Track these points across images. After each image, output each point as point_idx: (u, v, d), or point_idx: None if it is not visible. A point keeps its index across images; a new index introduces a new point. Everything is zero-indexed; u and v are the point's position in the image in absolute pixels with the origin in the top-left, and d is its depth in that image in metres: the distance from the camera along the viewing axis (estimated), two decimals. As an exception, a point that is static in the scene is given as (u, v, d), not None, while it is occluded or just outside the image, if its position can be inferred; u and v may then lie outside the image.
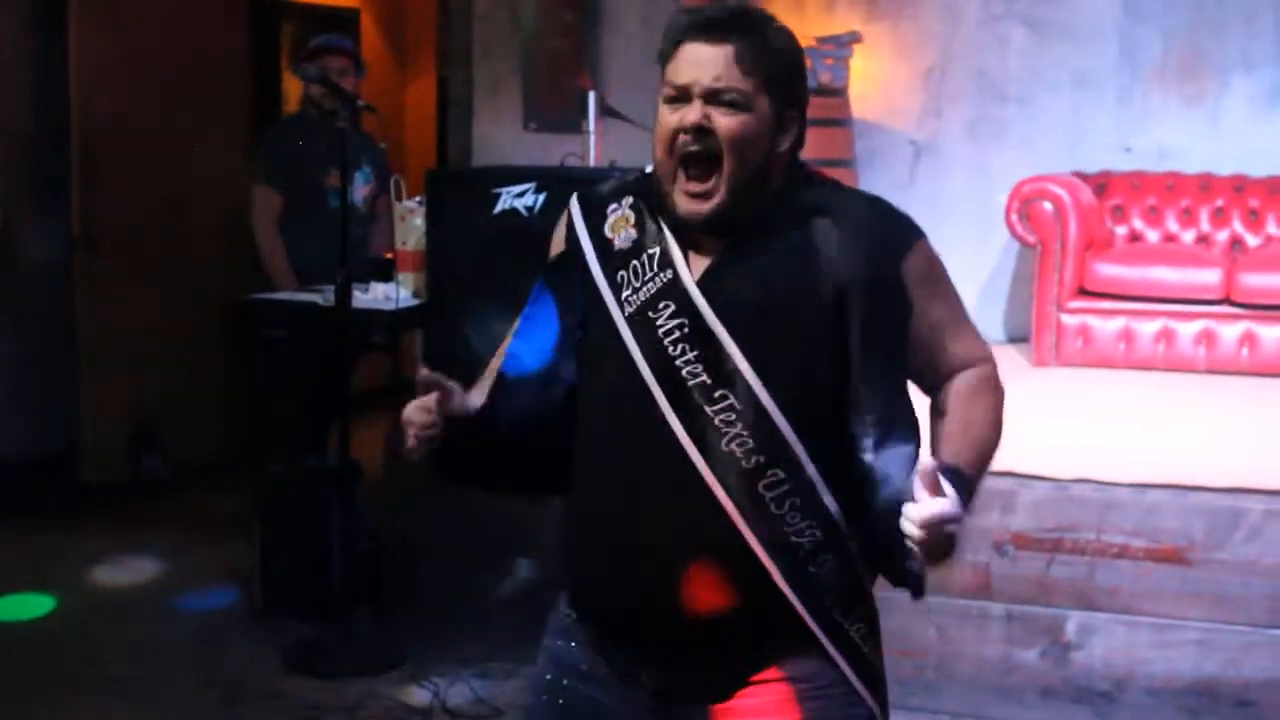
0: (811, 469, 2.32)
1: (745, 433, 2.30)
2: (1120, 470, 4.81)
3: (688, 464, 2.31)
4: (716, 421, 2.31)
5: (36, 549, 6.30)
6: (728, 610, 2.34)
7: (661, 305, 2.37)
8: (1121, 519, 4.67)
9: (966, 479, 2.29)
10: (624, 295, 2.41)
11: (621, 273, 2.42)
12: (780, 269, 2.34)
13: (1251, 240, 7.13)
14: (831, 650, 2.35)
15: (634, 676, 2.42)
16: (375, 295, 5.56)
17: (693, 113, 2.34)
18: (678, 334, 2.35)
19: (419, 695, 4.87)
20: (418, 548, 5.29)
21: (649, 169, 2.49)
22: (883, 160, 7.53)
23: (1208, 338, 6.64)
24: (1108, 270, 6.82)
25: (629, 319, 2.39)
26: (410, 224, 5.57)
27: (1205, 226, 7.20)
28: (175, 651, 5.26)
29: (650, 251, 2.41)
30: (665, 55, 2.41)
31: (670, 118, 2.37)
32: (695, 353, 2.33)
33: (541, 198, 5.00)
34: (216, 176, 6.99)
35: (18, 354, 7.05)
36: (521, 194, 5.04)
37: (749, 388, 2.31)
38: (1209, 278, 6.69)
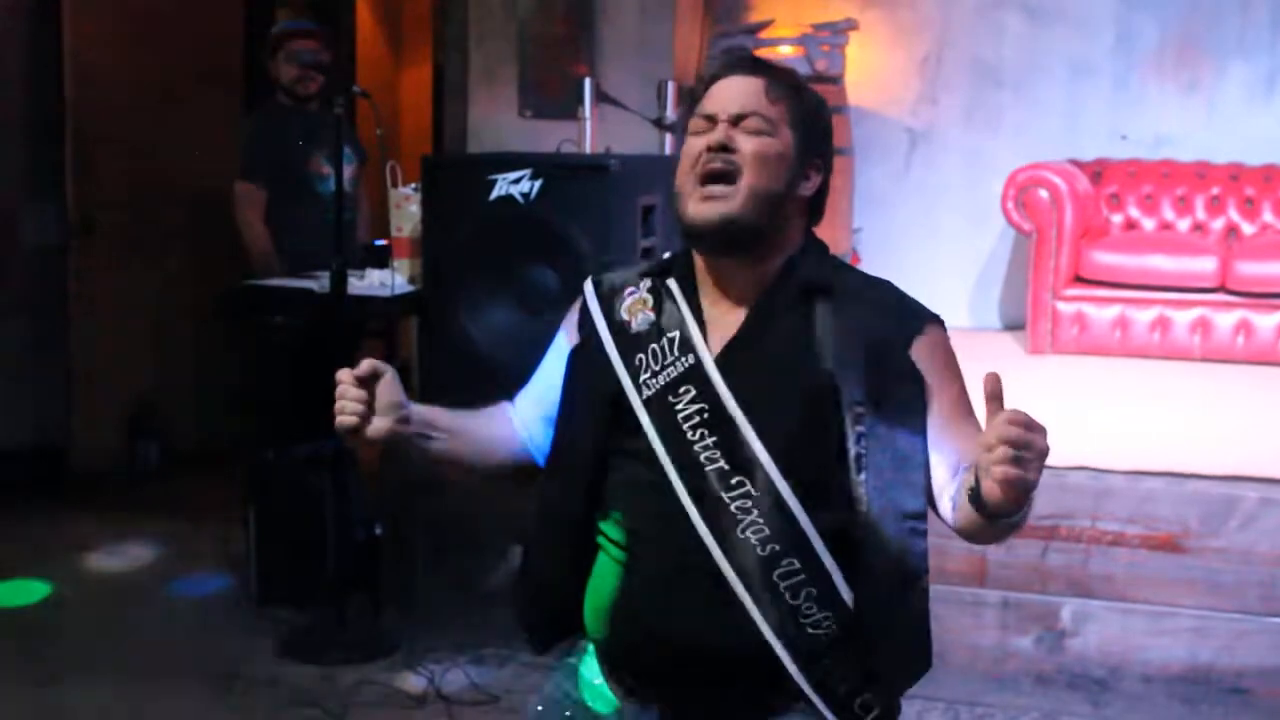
0: (828, 559, 2.31)
1: (761, 520, 2.30)
2: (1115, 458, 4.82)
3: (703, 550, 2.31)
4: (733, 509, 2.31)
5: (31, 536, 6.29)
6: (741, 696, 2.36)
7: (682, 390, 2.37)
8: (1117, 506, 4.68)
9: None
10: (642, 379, 2.41)
11: (639, 356, 2.43)
12: (796, 351, 2.36)
13: (1247, 228, 7.14)
14: (823, 707, 2.34)
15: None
16: (371, 282, 5.54)
17: (718, 133, 2.39)
18: (697, 419, 2.35)
19: (414, 682, 4.87)
20: (413, 535, 5.28)
21: (666, 255, 2.55)
22: (878, 148, 7.53)
23: (1203, 326, 6.65)
24: (1103, 258, 6.83)
25: (646, 403, 2.39)
26: (406, 210, 5.56)
27: (1201, 214, 7.21)
28: (170, 638, 5.26)
29: (670, 335, 2.42)
30: (697, 96, 2.47)
31: (695, 142, 2.42)
32: (714, 438, 2.34)
33: (537, 184, 4.99)
34: (212, 162, 6.96)
35: (12, 339, 7.04)
36: (517, 180, 5.03)
37: (766, 476, 2.31)
38: (1205, 266, 6.69)
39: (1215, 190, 7.20)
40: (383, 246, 5.73)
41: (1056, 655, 4.70)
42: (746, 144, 2.38)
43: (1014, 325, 7.35)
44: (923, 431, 2.36)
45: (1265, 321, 6.59)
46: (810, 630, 2.31)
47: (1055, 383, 6.15)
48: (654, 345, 2.43)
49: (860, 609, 2.33)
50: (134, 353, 7.28)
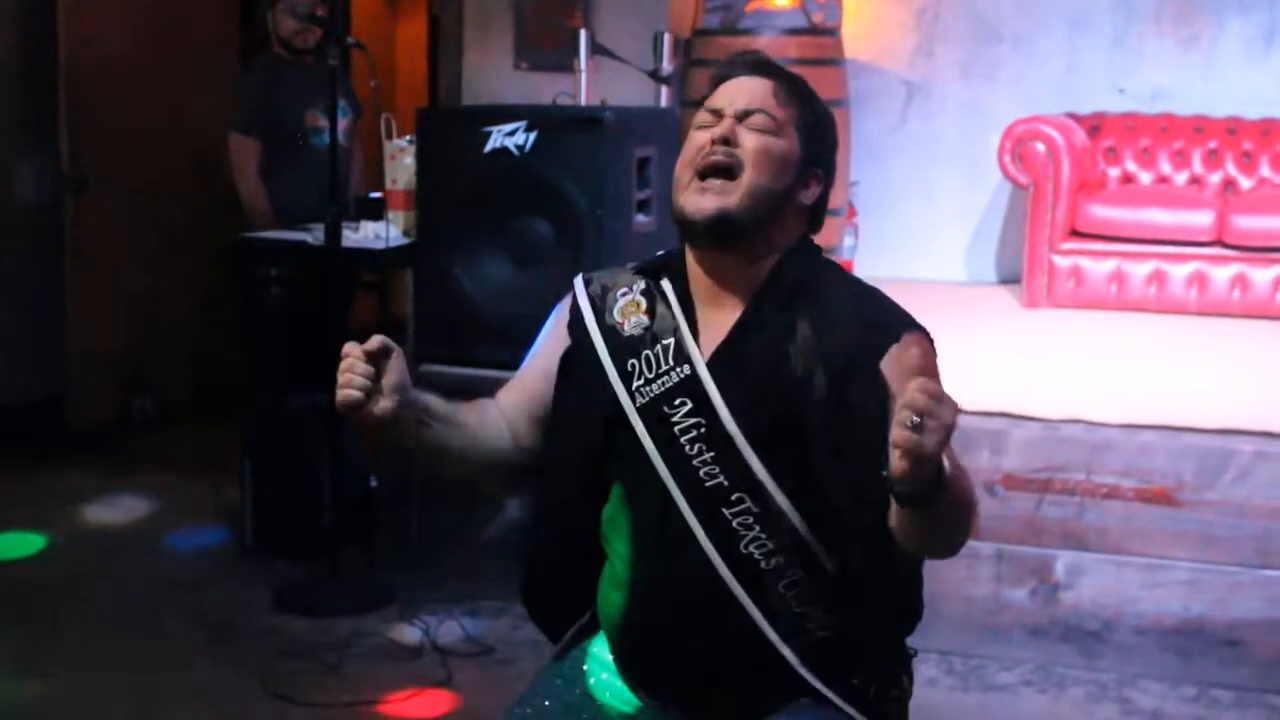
0: (831, 567, 2.31)
1: (763, 535, 2.30)
2: (1110, 411, 4.82)
3: (708, 564, 2.31)
4: (734, 524, 2.31)
5: (26, 489, 6.30)
6: (755, 697, 2.38)
7: (678, 402, 2.35)
8: (1111, 460, 4.68)
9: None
10: (635, 385, 2.38)
11: (632, 362, 2.40)
12: (781, 360, 2.32)
13: (1244, 182, 7.12)
14: (832, 695, 2.35)
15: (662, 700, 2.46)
16: (365, 234, 5.53)
17: (723, 127, 2.37)
18: (694, 433, 2.33)
19: (409, 633, 4.88)
20: (408, 486, 5.28)
21: (660, 253, 2.51)
22: (875, 101, 7.51)
23: (1199, 279, 6.64)
24: (1100, 212, 6.82)
25: (641, 410, 2.37)
26: (400, 162, 5.55)
27: (1198, 168, 7.19)
28: (165, 590, 5.27)
29: (665, 342, 2.39)
30: (706, 94, 2.44)
31: (699, 135, 2.39)
32: (712, 454, 2.32)
33: (532, 137, 4.98)
34: (207, 116, 6.94)
35: (6, 294, 7.02)
36: (512, 133, 5.02)
37: (766, 492, 2.30)
38: (1201, 219, 6.68)
39: (1213, 144, 7.18)
40: (377, 199, 5.72)
41: (1050, 608, 4.72)
42: (751, 140, 2.35)
43: (1010, 279, 7.33)
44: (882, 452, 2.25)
45: (1262, 275, 6.58)
46: (819, 634, 2.33)
47: (1051, 336, 6.15)
48: (648, 352, 2.39)
49: (863, 610, 2.34)
50: (129, 307, 7.27)
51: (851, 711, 2.34)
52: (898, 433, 1.95)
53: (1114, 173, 7.23)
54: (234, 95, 6.49)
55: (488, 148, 5.03)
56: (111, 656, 4.72)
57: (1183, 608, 4.62)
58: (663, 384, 2.36)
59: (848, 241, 7.32)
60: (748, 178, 2.34)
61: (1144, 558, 4.65)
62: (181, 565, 5.55)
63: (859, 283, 2.48)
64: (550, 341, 2.55)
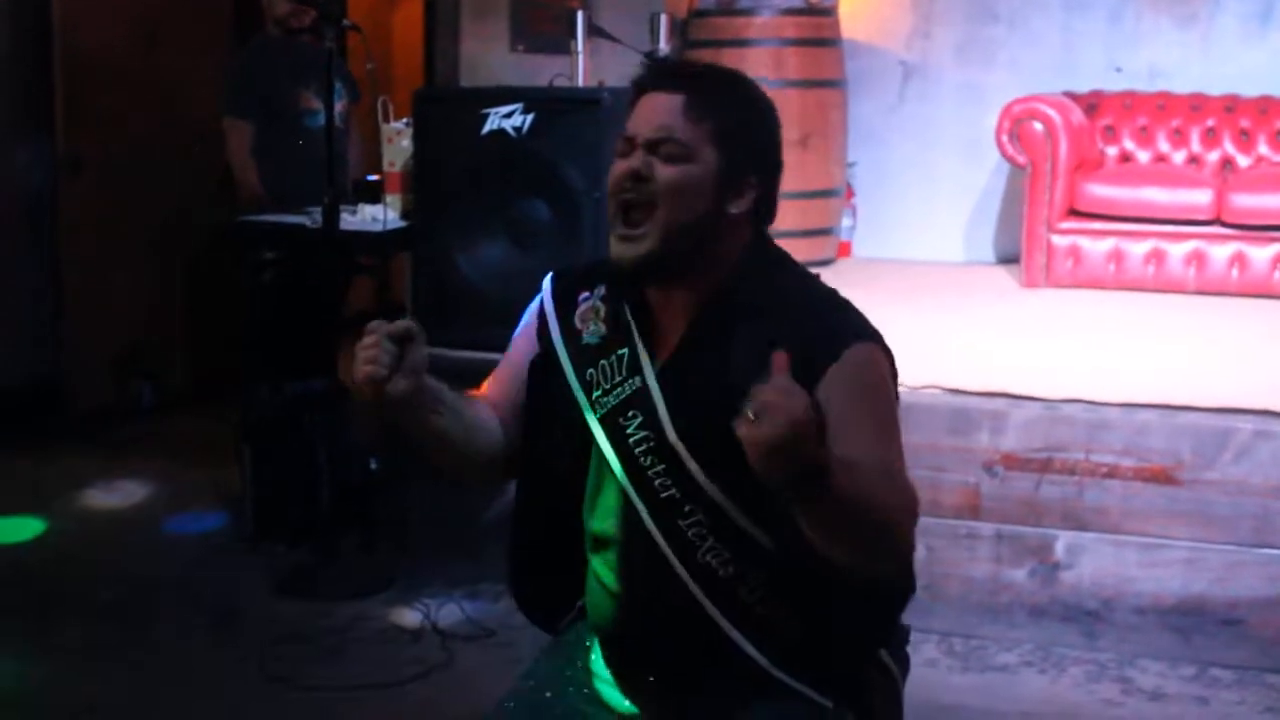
0: (793, 572, 2.27)
1: (719, 545, 2.29)
2: (1109, 390, 4.81)
3: (674, 574, 2.31)
4: (689, 535, 2.30)
5: (24, 474, 6.30)
6: (731, 695, 2.36)
7: (630, 414, 2.34)
8: (1111, 439, 4.68)
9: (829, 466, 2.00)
10: (595, 395, 2.38)
11: (590, 370, 2.39)
12: (733, 372, 2.23)
13: (1242, 160, 7.11)
14: (807, 691, 2.34)
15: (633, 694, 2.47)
16: (363, 217, 5.53)
17: (633, 160, 2.30)
18: (645, 445, 2.32)
19: (409, 617, 4.88)
20: (408, 470, 5.28)
21: None
22: (872, 81, 7.49)
23: (1198, 258, 6.63)
24: (1098, 191, 6.80)
25: (600, 421, 2.37)
26: (397, 145, 5.54)
27: (1196, 147, 7.18)
28: (164, 575, 5.27)
29: (620, 352, 2.37)
30: (628, 110, 2.37)
31: (618, 165, 2.32)
32: (662, 466, 2.31)
33: (529, 118, 4.97)
34: (203, 99, 6.93)
35: (4, 280, 7.01)
36: (509, 115, 5.01)
37: (715, 504, 2.28)
38: (1200, 198, 6.67)
39: (1210, 122, 7.17)
40: (374, 182, 5.71)
41: (1050, 587, 4.72)
42: (662, 173, 2.27)
43: (1008, 259, 7.33)
44: None
45: (1260, 254, 6.56)
46: (789, 636, 2.31)
47: (1050, 316, 6.14)
48: (604, 361, 2.38)
49: (832, 608, 2.30)
50: (127, 290, 7.27)
51: (824, 701, 2.33)
52: (738, 425, 1.94)
53: (1112, 152, 7.22)
54: (225, 78, 6.47)
55: (485, 130, 5.03)
56: (110, 641, 4.72)
57: (1182, 587, 4.62)
58: (617, 395, 2.36)
59: (845, 223, 7.32)
60: (662, 215, 2.27)
61: (1143, 537, 4.65)
62: (180, 550, 5.55)
63: (810, 293, 2.37)
64: (521, 346, 2.55)
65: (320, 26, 5.64)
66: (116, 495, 6.11)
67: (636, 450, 2.32)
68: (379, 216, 5.46)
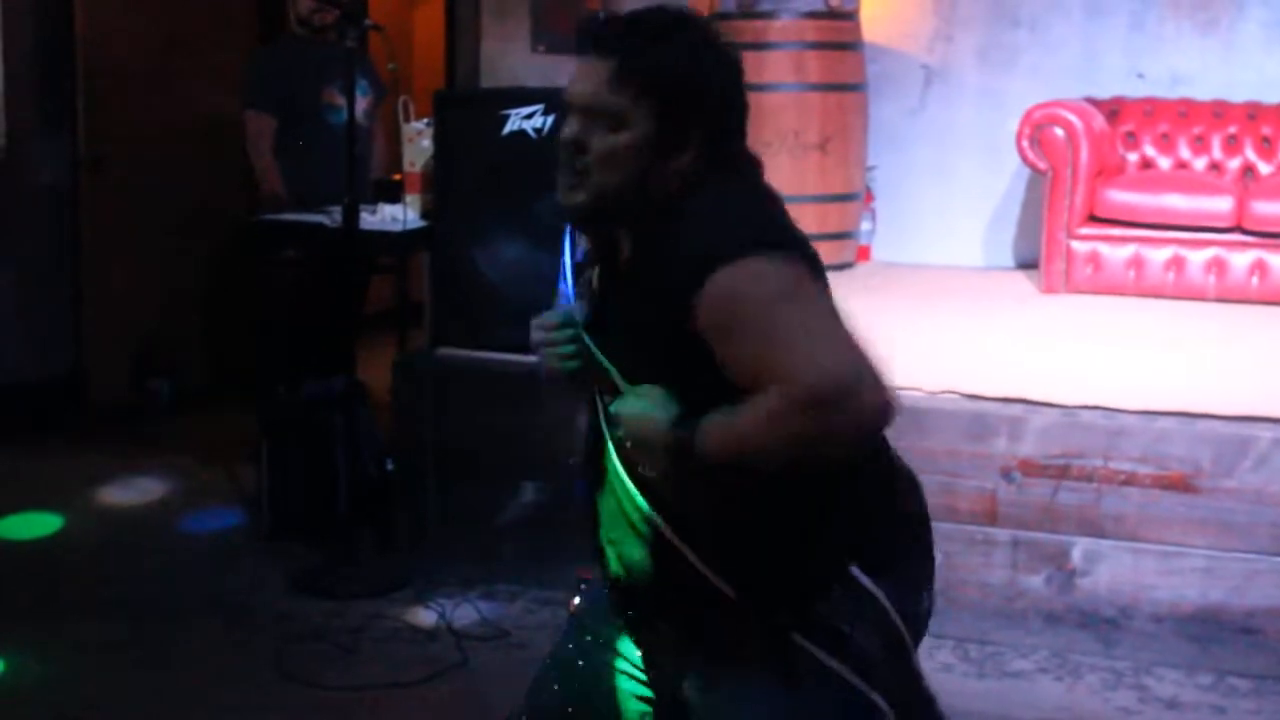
0: (721, 498, 2.29)
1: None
2: (1128, 397, 4.80)
3: (623, 481, 2.37)
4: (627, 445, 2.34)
5: (43, 470, 6.31)
6: (669, 594, 2.40)
7: (589, 329, 2.42)
8: (1129, 446, 4.66)
9: (697, 432, 2.18)
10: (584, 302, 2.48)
11: (578, 286, 2.49)
12: (641, 293, 2.29)
13: (1264, 168, 7.09)
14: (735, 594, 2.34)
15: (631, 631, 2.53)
16: (382, 217, 5.54)
17: (570, 127, 2.33)
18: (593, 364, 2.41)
19: (425, 616, 4.88)
20: (424, 470, 5.29)
21: None
22: (893, 85, 7.49)
23: (1218, 266, 6.62)
24: (1118, 197, 6.79)
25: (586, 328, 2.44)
26: (418, 145, 5.55)
27: (1217, 154, 7.16)
28: (181, 573, 5.28)
29: (589, 273, 2.47)
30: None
31: (562, 130, 2.37)
32: (599, 389, 2.42)
33: (550, 120, 4.98)
34: (225, 96, 6.95)
35: (22, 275, 7.03)
36: (530, 116, 5.02)
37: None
38: (1220, 205, 6.65)
39: (1232, 129, 7.15)
40: (394, 181, 5.72)
41: (1067, 594, 4.71)
42: (596, 142, 2.29)
43: (1028, 264, 7.31)
44: (727, 391, 2.20)
45: (1280, 261, 6.56)
46: (722, 540, 2.32)
47: (1069, 322, 6.13)
48: (583, 277, 2.49)
49: (763, 521, 2.31)
50: (146, 288, 7.28)
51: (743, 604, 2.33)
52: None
53: (1133, 158, 7.21)
54: (248, 72, 6.49)
55: (505, 131, 5.04)
56: (127, 638, 4.73)
57: (1200, 595, 4.61)
58: (584, 311, 2.45)
59: (865, 227, 7.31)
60: (595, 180, 2.30)
61: (1161, 545, 4.64)
62: (197, 548, 5.56)
63: (711, 210, 2.29)
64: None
65: (343, 26, 5.65)
66: (134, 492, 6.12)
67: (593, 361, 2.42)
68: (399, 216, 5.46)
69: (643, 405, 2.23)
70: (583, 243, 2.49)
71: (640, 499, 2.34)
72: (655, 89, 2.28)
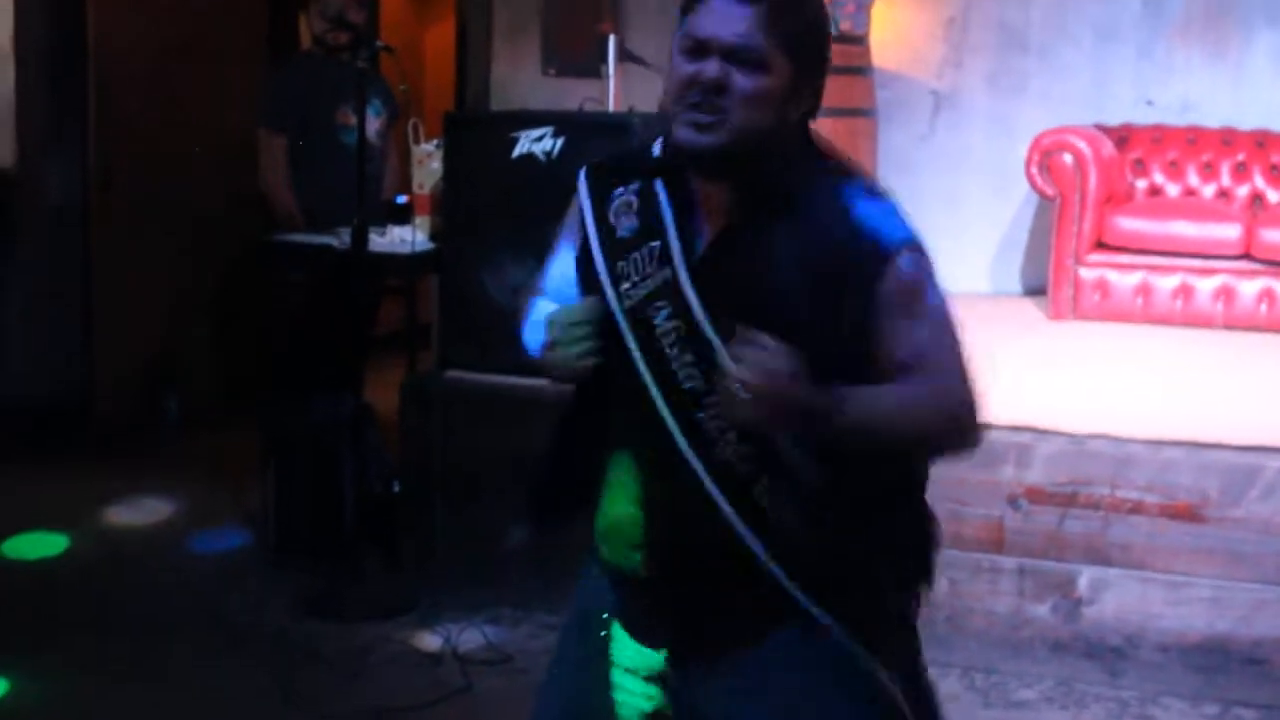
0: (808, 478, 2.26)
1: (737, 440, 2.28)
2: (1136, 425, 4.80)
3: (687, 467, 2.30)
4: (710, 428, 2.29)
5: (50, 489, 6.31)
6: (724, 593, 2.36)
7: (659, 304, 2.34)
8: (1136, 474, 4.66)
9: (835, 399, 2.20)
10: (623, 287, 2.37)
11: (621, 263, 2.39)
12: (772, 265, 2.28)
13: (1273, 196, 7.09)
14: (819, 614, 2.32)
15: (651, 634, 2.44)
16: (392, 239, 5.54)
17: (711, 68, 2.28)
18: (674, 335, 2.32)
19: (430, 640, 4.88)
20: (430, 493, 5.28)
21: (659, 149, 2.45)
22: (903, 110, 7.49)
23: (1226, 293, 6.61)
24: (1127, 224, 6.79)
25: (627, 312, 2.36)
26: (427, 167, 5.56)
27: (1226, 181, 7.16)
28: (187, 592, 5.28)
29: (652, 244, 2.37)
30: (689, 5, 2.35)
31: (686, 68, 2.30)
32: (689, 357, 2.30)
33: (559, 142, 4.98)
34: (234, 115, 6.97)
35: (33, 293, 7.04)
36: (539, 138, 5.02)
37: None
38: (1229, 233, 6.65)
39: (1241, 157, 7.15)
40: (404, 203, 5.73)
41: (1073, 623, 4.70)
42: (740, 82, 2.27)
43: (1036, 290, 7.31)
44: (860, 366, 2.27)
45: (1289, 290, 6.56)
46: (804, 547, 2.29)
47: (1076, 349, 6.12)
48: (635, 253, 2.38)
49: (852, 522, 2.30)
50: (155, 308, 7.29)
51: (838, 631, 2.32)
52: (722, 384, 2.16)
53: (1141, 185, 7.21)
54: (264, 91, 6.51)
55: (515, 153, 5.04)
56: (131, 659, 4.72)
57: (1206, 625, 4.60)
58: (646, 286, 2.36)
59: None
60: (738, 120, 2.28)
61: (1168, 574, 4.63)
62: (203, 569, 5.56)
63: (851, 191, 2.36)
64: (570, 239, 2.56)
65: (355, 46, 5.67)
66: (140, 512, 6.12)
67: (664, 341, 2.33)
68: (407, 238, 5.47)
69: (768, 359, 2.14)
70: (624, 224, 2.41)
71: (711, 483, 2.29)
72: (796, 37, 2.31)
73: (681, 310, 2.32)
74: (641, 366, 2.34)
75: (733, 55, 2.28)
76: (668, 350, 2.32)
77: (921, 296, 2.30)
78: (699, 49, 2.30)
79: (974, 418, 2.30)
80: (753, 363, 2.13)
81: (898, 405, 2.25)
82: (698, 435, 2.30)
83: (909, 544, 2.43)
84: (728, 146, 2.28)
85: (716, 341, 2.26)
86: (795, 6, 2.33)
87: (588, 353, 2.33)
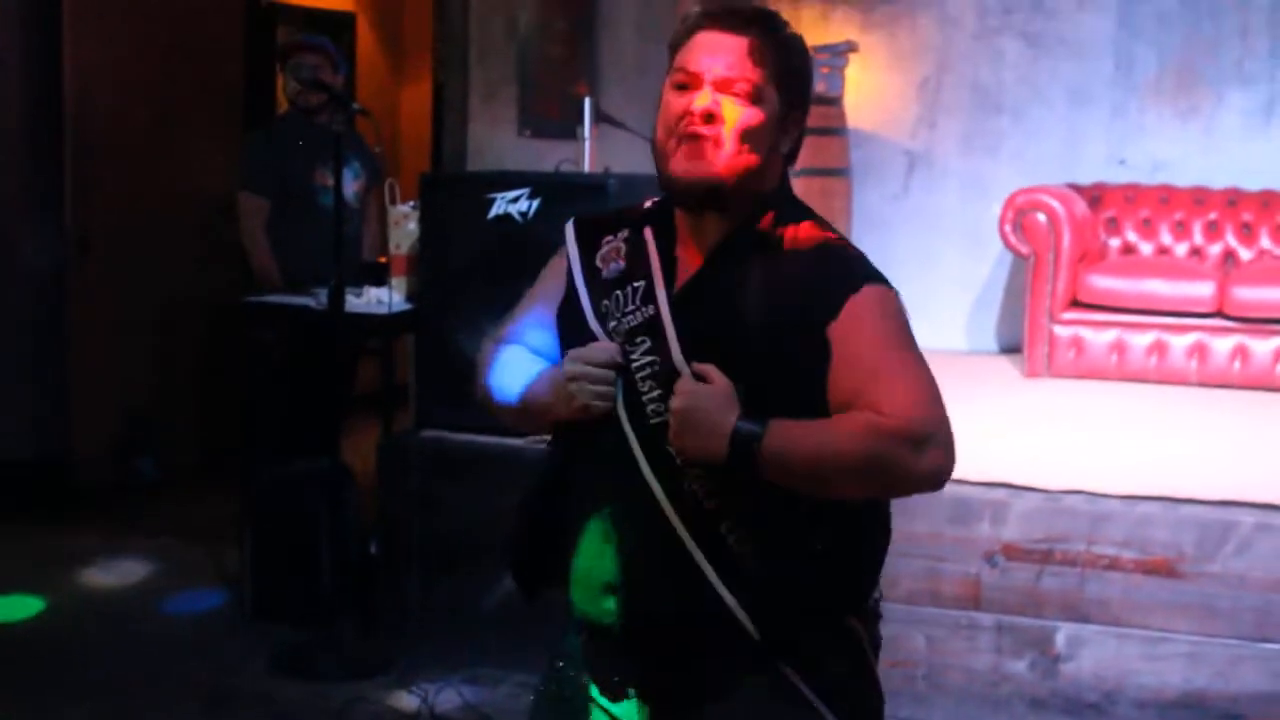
0: (771, 512, 2.29)
1: (703, 475, 2.29)
2: (1111, 482, 4.81)
3: (653, 500, 2.32)
4: (678, 461, 2.30)
5: (26, 550, 6.29)
6: (705, 662, 2.36)
7: (639, 339, 2.36)
8: (1112, 530, 4.67)
9: (761, 432, 2.22)
10: (609, 325, 2.40)
11: (605, 302, 2.42)
12: (744, 302, 2.32)
13: (1244, 254, 7.14)
14: (788, 671, 2.34)
15: (622, 689, 2.43)
16: (368, 299, 5.55)
17: (703, 98, 2.33)
18: (648, 370, 2.34)
19: (407, 701, 4.86)
20: (408, 554, 5.28)
21: (648, 204, 2.50)
22: (877, 170, 7.54)
23: (1200, 350, 6.65)
24: (1101, 282, 6.83)
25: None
26: (404, 228, 5.57)
27: (1198, 239, 7.21)
28: (163, 654, 5.25)
29: (636, 284, 2.40)
30: (679, 41, 2.39)
31: (678, 101, 2.35)
32: (658, 392, 2.32)
33: (536, 203, 5.00)
34: (210, 178, 6.99)
35: (9, 354, 7.04)
36: (516, 199, 5.04)
37: None
38: (1202, 290, 6.69)
39: (1213, 215, 7.21)
40: (380, 264, 5.74)
41: (1051, 680, 4.69)
42: (732, 113, 2.32)
43: (1011, 348, 7.34)
44: (817, 404, 2.29)
45: (1262, 347, 6.58)
46: (762, 580, 2.30)
47: (1051, 406, 6.15)
48: (619, 291, 2.41)
49: (810, 558, 2.32)
50: (132, 369, 7.29)
51: (795, 678, 2.33)
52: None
53: (1114, 243, 7.26)
54: (242, 154, 6.53)
55: (491, 214, 5.06)
56: (108, 721, 4.71)
57: (1184, 680, 4.60)
58: (629, 322, 2.38)
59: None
60: (730, 151, 2.32)
61: (1145, 630, 4.63)
62: (179, 630, 5.54)
63: (826, 237, 2.41)
64: (549, 291, 2.56)
65: (331, 108, 5.70)
66: (116, 574, 6.10)
67: (639, 375, 2.35)
68: (384, 298, 5.48)
69: (707, 389, 2.24)
70: (611, 267, 2.44)
71: (678, 519, 2.30)
72: (784, 70, 2.36)
73: (659, 344, 2.35)
74: (619, 402, 2.35)
75: (725, 86, 2.33)
76: (640, 385, 2.35)
77: (881, 329, 2.32)
78: (691, 81, 2.35)
79: (918, 451, 2.24)
80: (679, 391, 2.23)
81: (835, 427, 2.25)
82: (664, 469, 2.31)
83: (865, 567, 2.44)
84: (721, 175, 2.33)
85: (686, 373, 2.30)
86: (783, 41, 2.39)
87: (608, 395, 2.34)
